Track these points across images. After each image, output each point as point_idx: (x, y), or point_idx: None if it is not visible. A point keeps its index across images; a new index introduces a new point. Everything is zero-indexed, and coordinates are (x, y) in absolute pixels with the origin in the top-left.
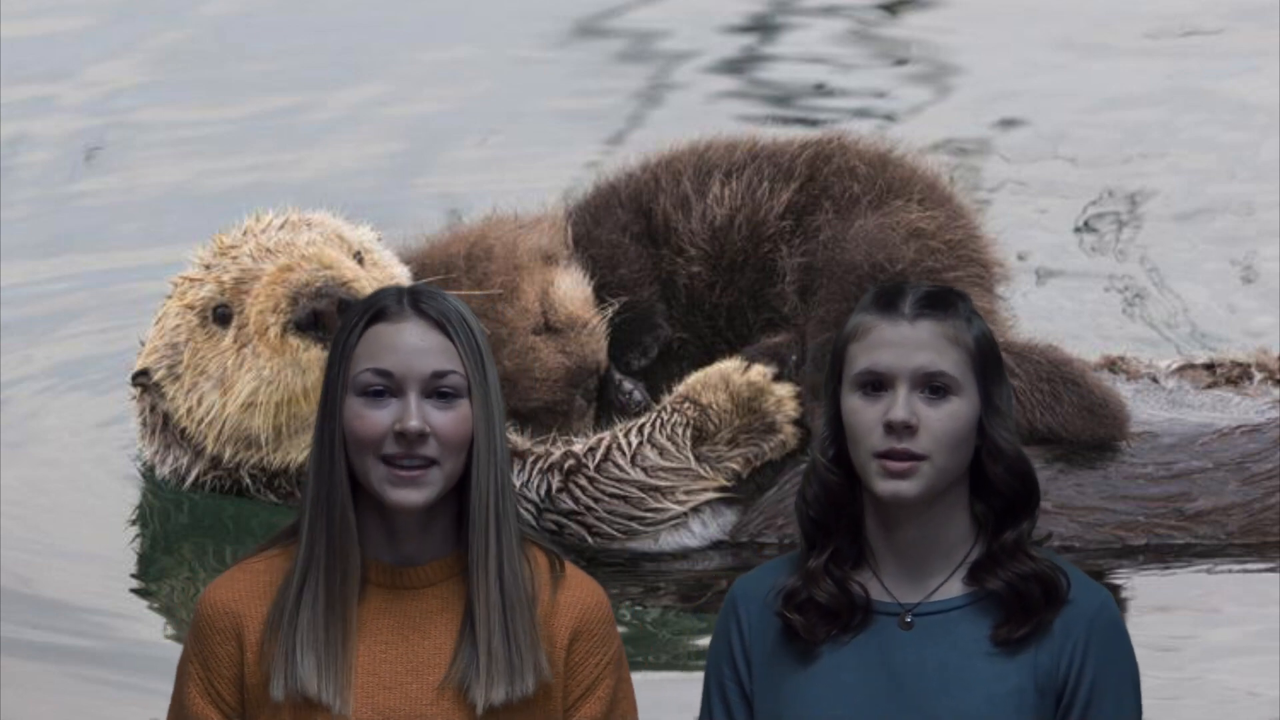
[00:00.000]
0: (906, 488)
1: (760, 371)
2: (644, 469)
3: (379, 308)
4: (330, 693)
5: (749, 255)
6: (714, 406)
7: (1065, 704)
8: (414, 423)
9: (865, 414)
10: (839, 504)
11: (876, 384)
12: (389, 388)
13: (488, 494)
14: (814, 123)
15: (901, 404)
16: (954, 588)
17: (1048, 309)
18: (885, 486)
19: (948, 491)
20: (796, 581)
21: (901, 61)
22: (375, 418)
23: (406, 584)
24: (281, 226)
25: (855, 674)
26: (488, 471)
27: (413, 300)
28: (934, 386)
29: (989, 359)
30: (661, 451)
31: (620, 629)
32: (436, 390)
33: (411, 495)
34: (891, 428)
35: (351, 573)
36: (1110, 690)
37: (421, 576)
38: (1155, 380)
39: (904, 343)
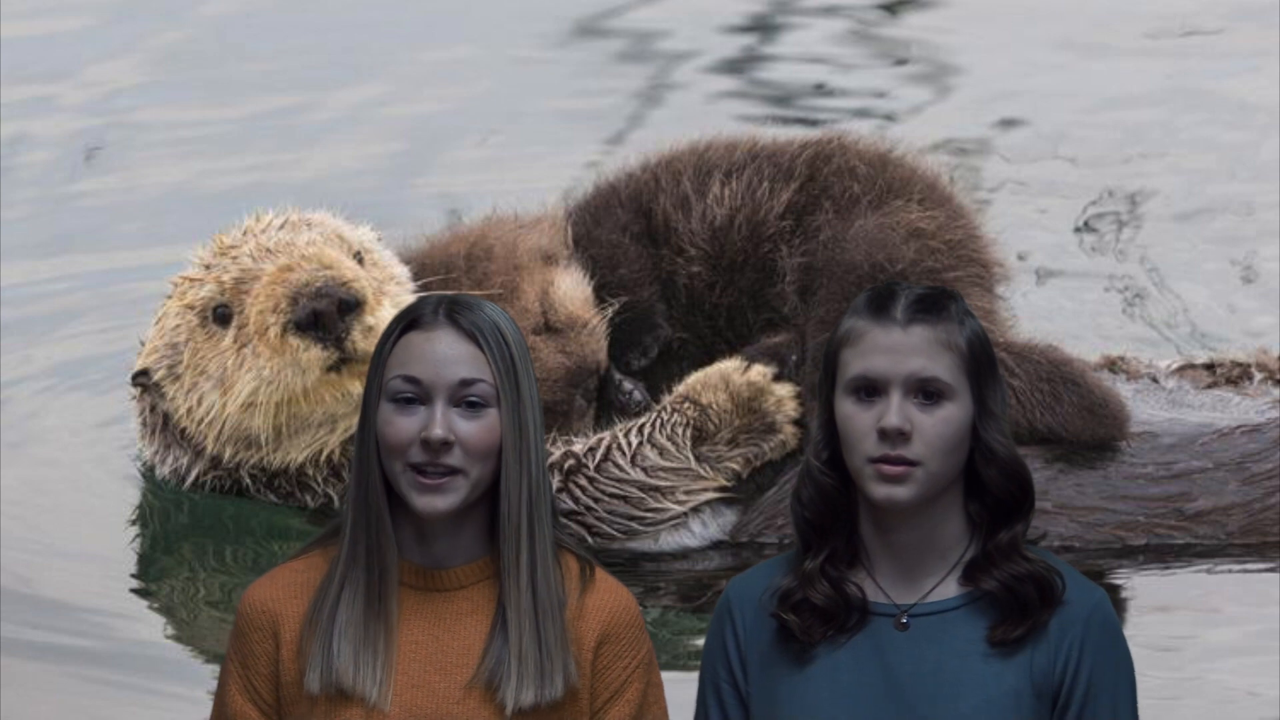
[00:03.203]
0: (901, 493)
1: (760, 371)
2: (644, 469)
3: (415, 316)
4: (368, 684)
5: (749, 255)
6: (714, 406)
7: (1061, 705)
8: (437, 431)
9: (859, 420)
10: (834, 506)
11: (870, 389)
12: (418, 395)
13: (519, 503)
14: (814, 123)
15: (895, 411)
16: (949, 588)
17: (1048, 309)
18: (880, 491)
19: (943, 493)
20: (791, 582)
21: (901, 61)
22: (403, 424)
23: (438, 586)
24: (281, 226)
25: (852, 675)
26: (518, 480)
27: (448, 310)
28: (927, 392)
29: (982, 361)
30: (661, 451)
31: None
32: (464, 399)
33: (436, 502)
34: (885, 434)
35: (390, 570)
36: (1106, 690)
37: (453, 579)
38: (1155, 380)
39: (897, 348)
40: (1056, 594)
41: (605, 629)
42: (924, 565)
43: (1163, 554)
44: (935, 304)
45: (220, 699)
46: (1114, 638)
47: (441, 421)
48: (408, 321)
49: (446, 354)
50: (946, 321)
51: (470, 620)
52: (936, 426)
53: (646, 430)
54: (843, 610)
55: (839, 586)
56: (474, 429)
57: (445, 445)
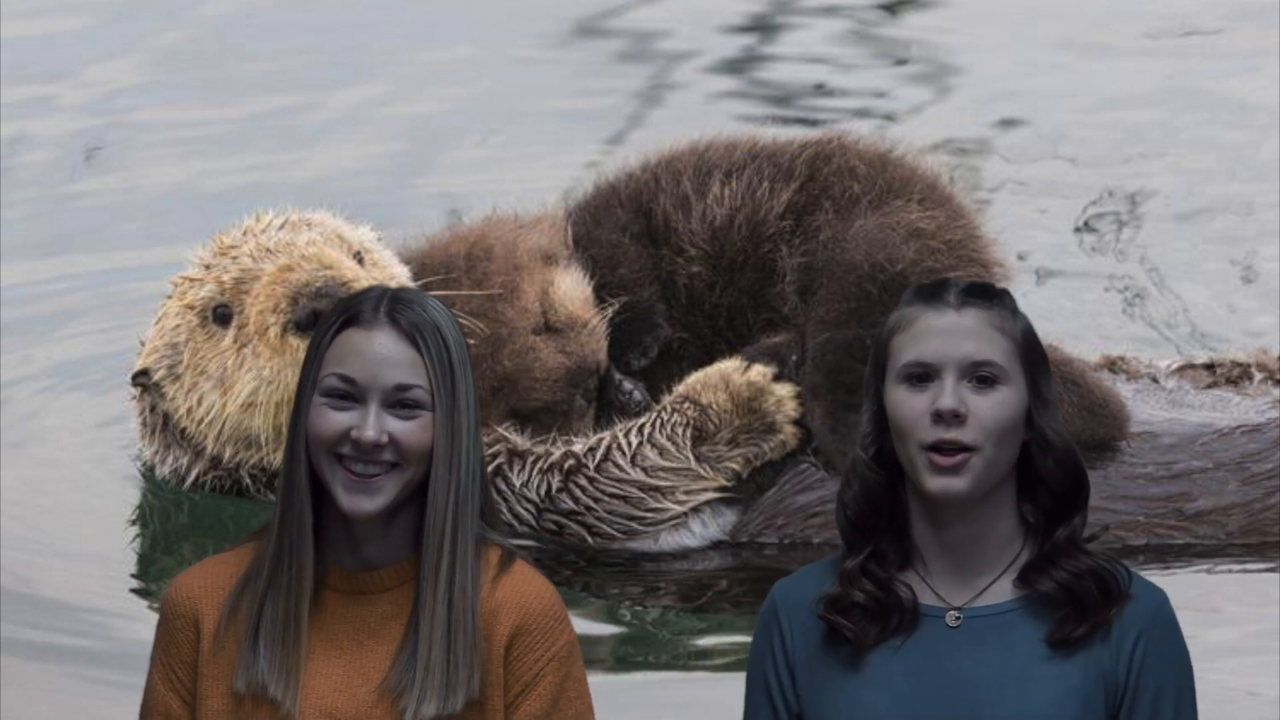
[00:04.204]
0: (957, 484)
1: (760, 371)
2: (644, 469)
3: (354, 311)
4: (280, 688)
5: (749, 255)
6: (714, 406)
7: (1128, 705)
8: (369, 433)
9: (911, 404)
10: (879, 504)
11: (923, 375)
12: (352, 394)
13: (445, 509)
14: (814, 123)
15: (949, 392)
16: (1004, 590)
17: (1048, 309)
18: (935, 483)
19: (996, 488)
20: (837, 588)
21: (901, 61)
22: (334, 419)
23: (363, 589)
24: (281, 226)
25: (910, 680)
26: (446, 486)
27: (389, 308)
28: (981, 376)
29: (1035, 352)
30: (661, 451)
31: (620, 629)
32: (399, 401)
33: (363, 503)
34: (940, 417)
35: (305, 572)
36: (1169, 691)
37: (378, 581)
38: (1155, 380)
39: (951, 331)
40: (1119, 589)
41: (519, 621)
42: (977, 563)
43: (1163, 554)
44: (988, 291)
45: (146, 686)
46: (1176, 638)
47: (374, 424)
48: (347, 316)
49: (385, 356)
50: (1000, 308)
51: (394, 624)
52: (992, 409)
53: (646, 430)
54: (890, 609)
55: (886, 586)
56: (407, 429)
57: (377, 447)
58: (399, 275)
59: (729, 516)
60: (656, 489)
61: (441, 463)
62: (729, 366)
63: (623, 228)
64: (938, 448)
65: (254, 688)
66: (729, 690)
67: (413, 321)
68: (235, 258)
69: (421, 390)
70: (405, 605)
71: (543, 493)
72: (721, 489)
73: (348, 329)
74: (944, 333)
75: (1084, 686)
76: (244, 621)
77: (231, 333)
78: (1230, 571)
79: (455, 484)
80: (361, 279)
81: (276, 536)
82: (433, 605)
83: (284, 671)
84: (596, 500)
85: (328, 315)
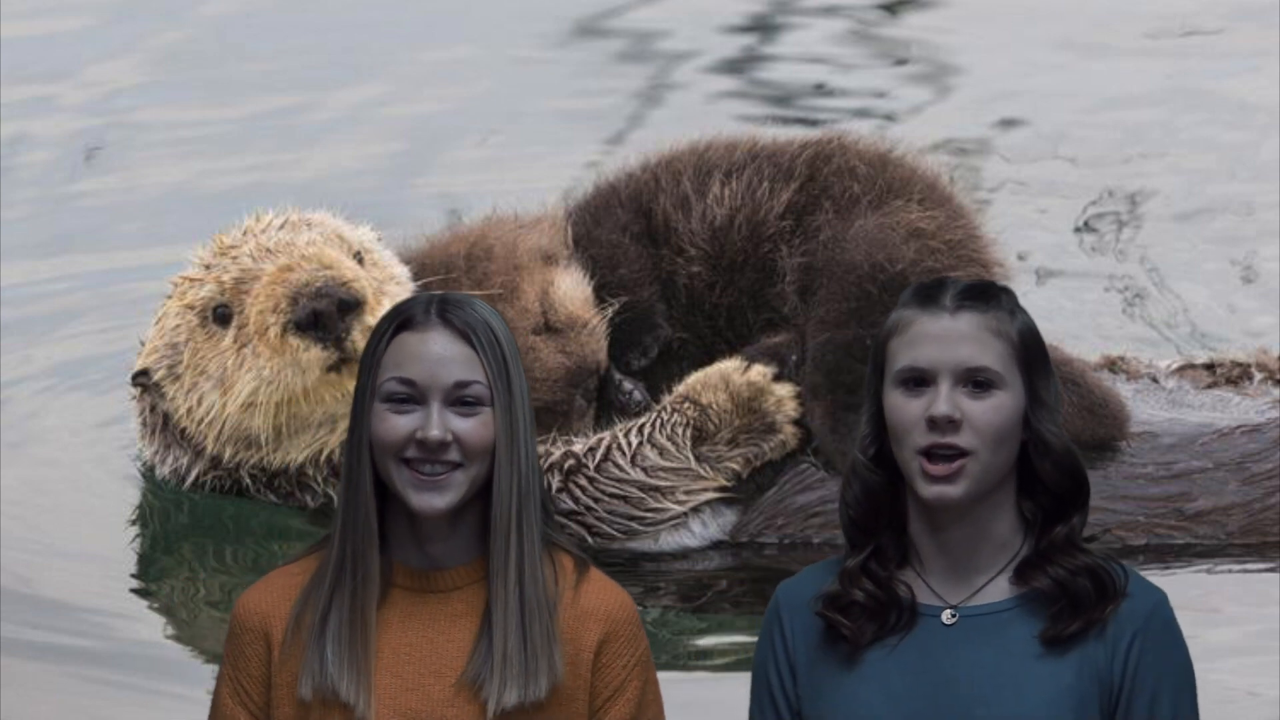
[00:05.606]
0: (952, 491)
1: (760, 371)
2: (644, 469)
3: (406, 316)
4: (353, 692)
5: (749, 255)
6: (714, 406)
7: (1124, 705)
8: (435, 432)
9: (907, 410)
10: (879, 504)
11: (918, 380)
12: (413, 396)
13: (509, 501)
14: (814, 123)
15: (944, 399)
16: (1001, 589)
17: (1048, 309)
18: (930, 490)
19: (995, 488)
20: (837, 585)
21: (901, 61)
22: (398, 423)
23: (432, 587)
24: (281, 226)
25: (905, 679)
26: (509, 479)
27: (440, 309)
28: (977, 382)
29: (1034, 352)
30: (661, 451)
31: None
32: (459, 399)
33: (434, 500)
34: (934, 423)
35: (371, 575)
36: (1167, 692)
37: (447, 580)
38: (1155, 380)
39: (945, 336)
40: (1115, 588)
41: (606, 629)
42: (975, 562)
43: (1163, 554)
44: (985, 292)
45: (214, 703)
46: (1174, 637)
47: (438, 423)
48: (400, 321)
49: (441, 355)
50: (997, 309)
51: (465, 621)
52: (987, 414)
53: (646, 430)
54: (889, 607)
55: (885, 584)
56: (470, 426)
57: (443, 446)
58: (399, 275)
59: (729, 516)
60: (656, 489)
61: (503, 457)
62: (729, 366)
63: (623, 228)
64: (933, 451)
65: (322, 692)
66: (729, 690)
67: (465, 320)
68: (235, 258)
69: (480, 386)
70: (477, 603)
71: None
72: (721, 489)
73: (401, 333)
74: (938, 338)
75: (1078, 686)
76: (309, 628)
77: (231, 333)
78: (1230, 571)
79: (517, 476)
80: (361, 279)
81: (339, 542)
82: (505, 597)
83: (355, 673)
84: (596, 500)
85: (380, 323)
